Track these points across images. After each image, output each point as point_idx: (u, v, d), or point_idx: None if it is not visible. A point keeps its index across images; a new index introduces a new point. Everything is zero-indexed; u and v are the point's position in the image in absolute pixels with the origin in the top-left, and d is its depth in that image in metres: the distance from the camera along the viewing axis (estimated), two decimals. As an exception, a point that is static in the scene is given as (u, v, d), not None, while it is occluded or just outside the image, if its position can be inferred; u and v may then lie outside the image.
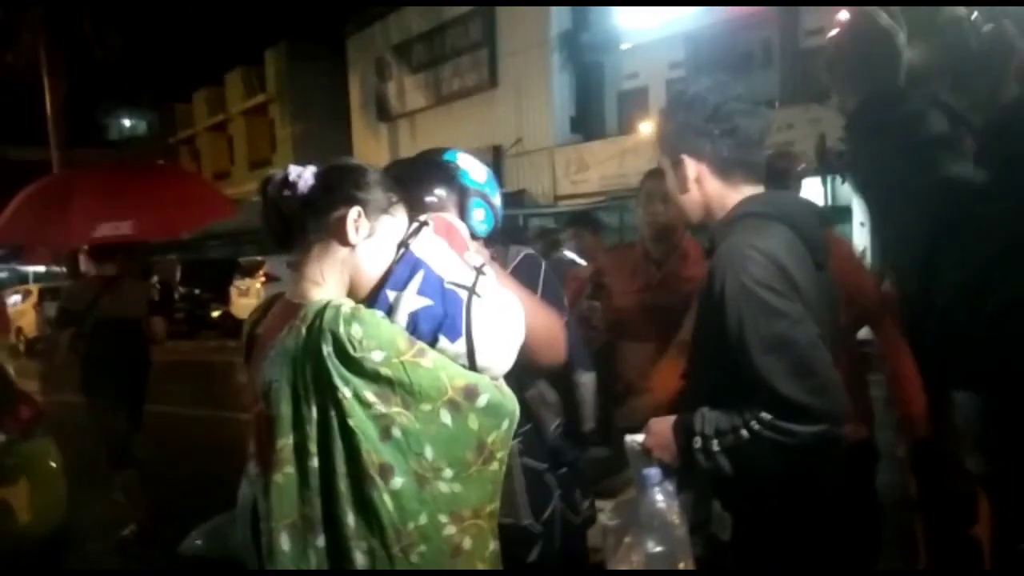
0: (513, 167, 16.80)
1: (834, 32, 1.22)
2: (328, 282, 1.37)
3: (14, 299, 17.26)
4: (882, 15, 1.15)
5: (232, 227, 22.38)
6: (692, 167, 1.68)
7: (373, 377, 1.24)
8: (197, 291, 18.24)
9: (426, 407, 1.27)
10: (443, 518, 1.29)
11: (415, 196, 1.75)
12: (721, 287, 1.55)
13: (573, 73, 16.07)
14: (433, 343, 1.31)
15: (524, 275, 1.83)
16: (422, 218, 1.47)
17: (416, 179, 1.77)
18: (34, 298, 17.81)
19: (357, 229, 1.36)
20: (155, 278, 19.22)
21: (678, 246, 3.03)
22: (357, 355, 1.23)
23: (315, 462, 1.25)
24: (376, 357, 1.24)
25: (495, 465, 1.34)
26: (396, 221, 1.42)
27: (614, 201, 14.71)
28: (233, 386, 10.45)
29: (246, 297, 16.33)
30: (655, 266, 3.04)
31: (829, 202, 11.43)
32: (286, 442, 1.26)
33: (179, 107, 30.63)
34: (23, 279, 21.41)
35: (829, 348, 1.58)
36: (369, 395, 1.24)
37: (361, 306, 1.30)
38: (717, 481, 1.62)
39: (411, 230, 1.43)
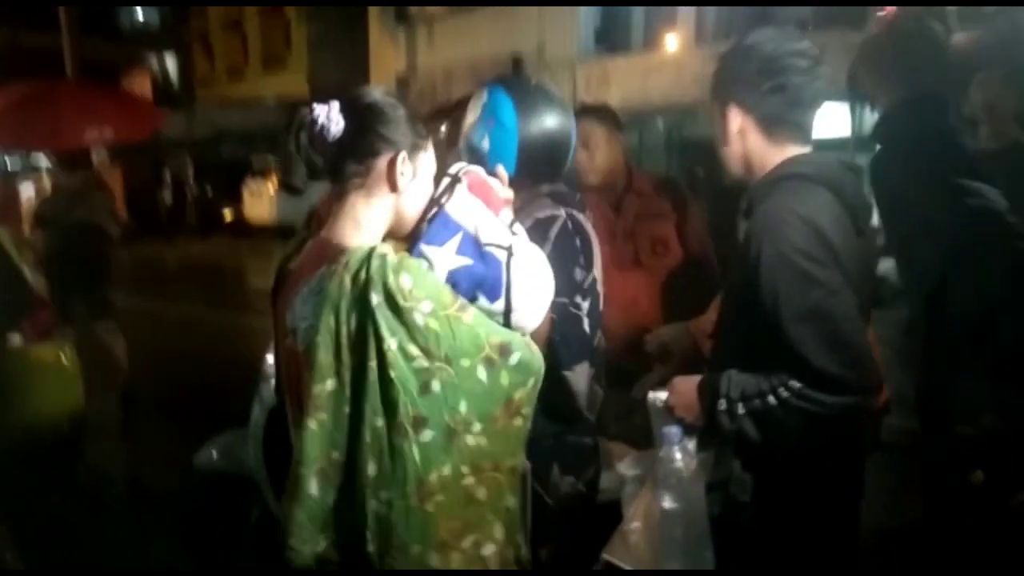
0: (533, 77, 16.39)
1: (876, 24, 1.17)
2: (369, 225, 1.39)
3: (27, 190, 17.21)
4: (929, 13, 1.09)
5: (245, 126, 22.20)
6: (737, 119, 1.64)
7: (420, 329, 1.25)
8: (210, 190, 18.17)
9: (465, 362, 1.28)
10: (464, 468, 1.31)
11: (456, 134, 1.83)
12: (758, 252, 1.53)
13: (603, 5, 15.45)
14: (471, 301, 1.34)
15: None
16: (453, 171, 1.45)
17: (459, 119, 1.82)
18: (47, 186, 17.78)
19: (403, 173, 1.38)
20: (167, 175, 19.22)
21: (628, 186, 2.92)
22: (406, 305, 1.24)
23: (347, 408, 1.26)
24: (425, 308, 1.25)
25: (519, 421, 1.37)
26: (429, 155, 1.43)
27: (634, 120, 14.43)
28: (245, 288, 10.51)
29: (258, 199, 16.27)
30: (613, 212, 2.89)
31: (856, 131, 11.14)
32: (322, 388, 1.26)
33: (193, -1, 29.81)
34: (34, 167, 21.30)
35: (866, 315, 1.56)
36: (413, 348, 1.25)
37: (406, 255, 1.31)
38: (739, 443, 1.62)
39: (444, 185, 1.42)
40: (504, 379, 1.32)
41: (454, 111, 2.03)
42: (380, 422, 1.24)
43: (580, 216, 1.92)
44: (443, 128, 2.43)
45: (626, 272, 2.83)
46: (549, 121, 1.83)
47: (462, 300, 1.32)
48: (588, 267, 1.87)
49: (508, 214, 1.51)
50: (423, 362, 1.25)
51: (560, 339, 1.70)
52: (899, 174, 1.08)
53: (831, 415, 1.49)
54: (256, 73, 25.85)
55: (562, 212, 1.86)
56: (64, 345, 3.88)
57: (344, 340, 1.25)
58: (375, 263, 1.26)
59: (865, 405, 1.52)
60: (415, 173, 1.40)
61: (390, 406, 1.24)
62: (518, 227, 1.49)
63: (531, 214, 1.84)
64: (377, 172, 1.37)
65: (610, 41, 15.53)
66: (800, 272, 1.48)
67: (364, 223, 1.39)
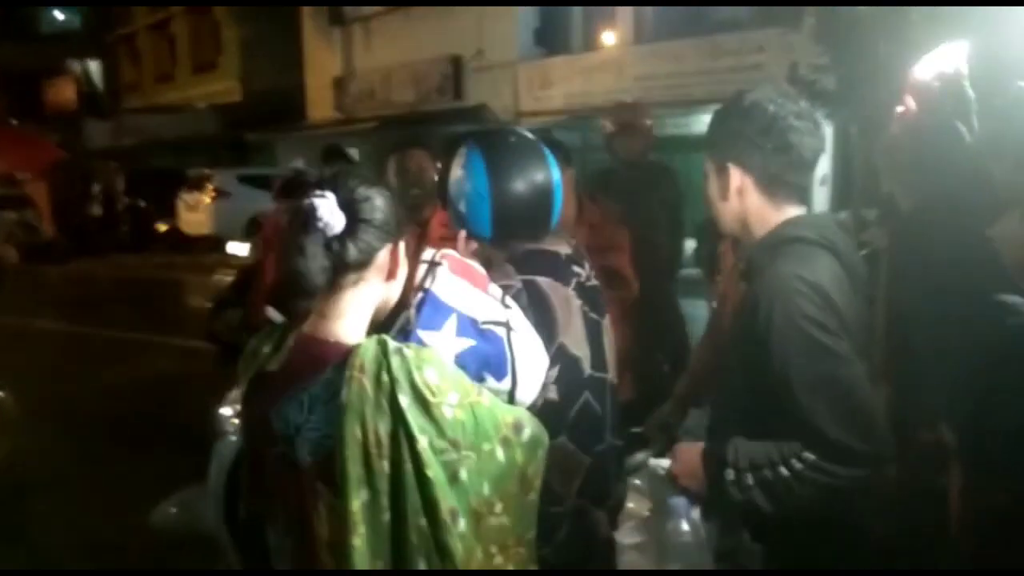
0: (473, 80, 16.26)
1: (898, 113, 1.12)
2: (362, 317, 1.33)
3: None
4: (951, 104, 1.06)
5: (178, 134, 21.57)
6: (737, 177, 1.61)
7: (449, 422, 1.23)
8: (143, 203, 17.60)
9: (487, 446, 1.28)
10: (493, 549, 1.31)
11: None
12: (767, 319, 1.50)
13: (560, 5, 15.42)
14: (479, 382, 1.32)
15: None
16: (429, 256, 1.42)
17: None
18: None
19: (401, 261, 1.35)
20: (96, 187, 18.54)
21: (579, 219, 2.82)
22: (435, 401, 1.21)
23: (387, 516, 1.22)
24: (452, 400, 1.23)
25: (533, 495, 1.37)
26: (407, 236, 1.39)
27: (578, 120, 14.41)
28: (182, 306, 10.16)
29: (194, 212, 15.82)
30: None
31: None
32: (357, 503, 1.20)
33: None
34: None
35: (875, 383, 1.52)
36: (442, 442, 1.22)
37: (422, 347, 1.27)
38: (748, 513, 1.56)
39: (424, 271, 1.39)
40: (519, 456, 1.32)
41: (440, 167, 1.90)
42: (423, 521, 1.22)
43: (542, 282, 1.74)
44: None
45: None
46: (524, 182, 1.69)
47: (477, 384, 1.31)
48: (549, 336, 1.71)
49: (496, 289, 1.48)
50: (452, 454, 1.23)
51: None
52: (923, 288, 1.01)
53: (845, 486, 1.45)
54: (186, 78, 25.16)
55: (517, 282, 1.70)
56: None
57: (373, 448, 1.20)
58: (395, 361, 1.20)
59: (879, 476, 1.48)
60: (400, 259, 1.37)
61: (429, 504, 1.21)
62: (510, 300, 1.47)
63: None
64: (377, 264, 1.32)
65: (550, 42, 15.50)
66: (812, 341, 1.46)
67: (358, 316, 1.32)
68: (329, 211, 1.24)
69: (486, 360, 1.34)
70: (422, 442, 1.19)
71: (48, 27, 30.68)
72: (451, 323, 1.34)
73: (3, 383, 3.81)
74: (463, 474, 1.24)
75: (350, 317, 1.31)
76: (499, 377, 1.35)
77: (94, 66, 29.56)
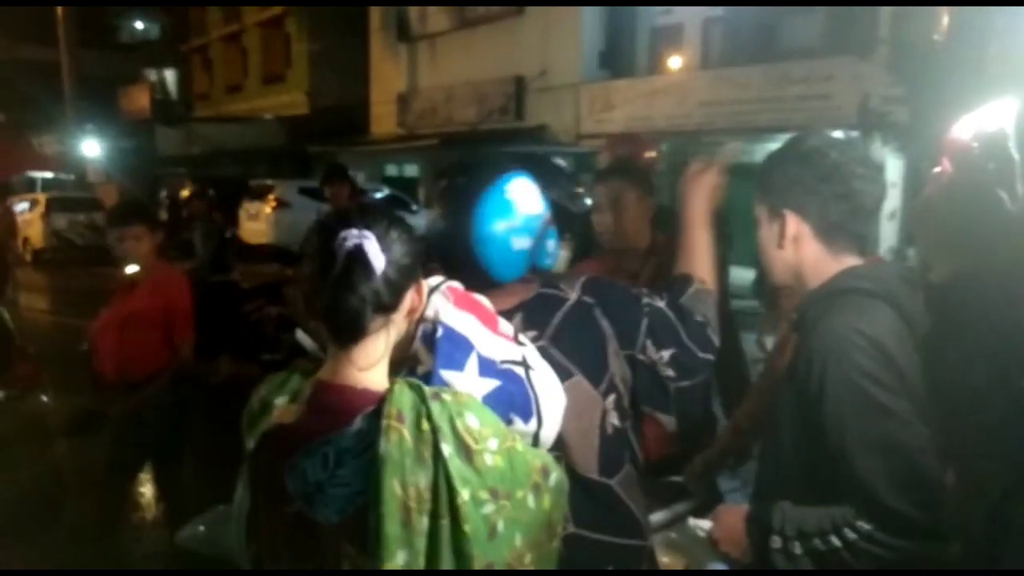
0: (535, 100, 16.28)
1: (934, 174, 1.05)
2: (384, 361, 1.23)
3: (21, 207, 17.04)
4: (992, 168, 0.96)
5: (244, 144, 22.09)
6: (793, 224, 1.54)
7: (490, 470, 1.15)
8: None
9: (520, 493, 1.20)
10: None
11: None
12: (821, 375, 1.41)
13: (604, 5, 15.40)
14: (508, 425, 1.27)
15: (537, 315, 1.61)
16: (429, 283, 1.34)
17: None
18: (41, 208, 17.62)
19: (423, 298, 1.28)
20: (163, 193, 19.02)
21: (651, 251, 2.75)
22: (478, 448, 1.14)
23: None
24: (492, 447, 1.16)
25: (556, 543, 1.30)
26: None
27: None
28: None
29: (255, 221, 16.10)
30: (632, 279, 2.68)
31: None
32: (395, 563, 1.10)
33: (193, 13, 29.79)
34: (31, 185, 21.15)
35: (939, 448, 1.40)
36: (483, 493, 1.14)
37: (458, 391, 1.19)
38: None
39: (428, 301, 1.30)
40: (546, 502, 1.25)
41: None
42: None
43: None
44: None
45: None
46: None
47: (510, 428, 1.24)
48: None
49: (507, 325, 1.40)
50: (491, 505, 1.15)
51: None
52: (956, 357, 0.93)
53: (903, 561, 1.34)
54: (255, 89, 25.80)
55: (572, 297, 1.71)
56: (46, 400, 3.70)
57: (413, 503, 1.10)
58: (435, 408, 1.12)
59: (941, 551, 1.36)
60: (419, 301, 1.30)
61: (463, 560, 1.13)
62: (523, 337, 1.41)
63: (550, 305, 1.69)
64: (406, 303, 1.24)
65: (615, 65, 15.45)
66: (870, 399, 1.36)
67: (381, 360, 1.23)
68: (375, 252, 1.16)
69: (512, 402, 1.28)
70: (463, 495, 1.11)
71: (127, 37, 31.85)
72: (472, 361, 1.27)
73: (47, 389, 3.85)
74: (500, 526, 1.16)
75: (377, 361, 1.22)
76: (526, 419, 1.30)
77: (169, 75, 30.58)
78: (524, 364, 1.32)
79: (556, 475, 1.27)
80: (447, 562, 1.11)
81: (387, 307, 1.19)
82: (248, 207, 16.38)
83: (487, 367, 1.28)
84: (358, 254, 1.14)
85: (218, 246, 6.76)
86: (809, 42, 12.38)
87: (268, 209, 15.77)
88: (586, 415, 1.56)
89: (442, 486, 1.11)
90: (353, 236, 1.15)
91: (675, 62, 14.49)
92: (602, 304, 1.63)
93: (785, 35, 12.96)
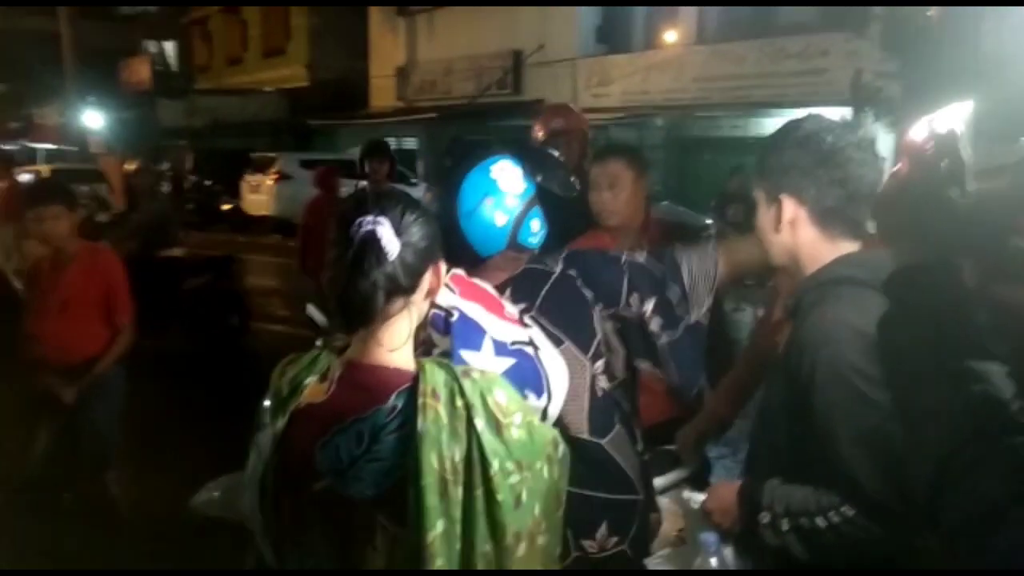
0: (533, 74, 16.36)
1: (892, 171, 1.12)
2: (408, 339, 1.26)
3: (25, 179, 17.12)
4: (945, 167, 1.03)
5: (245, 117, 22.14)
6: (790, 209, 1.54)
7: (515, 444, 1.20)
8: (208, 182, 18.11)
9: (538, 465, 1.25)
10: (536, 567, 1.29)
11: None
12: (812, 366, 1.44)
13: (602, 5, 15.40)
14: None
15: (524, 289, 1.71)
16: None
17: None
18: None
19: (441, 279, 1.31)
20: (166, 165, 19.03)
21: (644, 229, 2.82)
22: (506, 422, 1.19)
23: (458, 545, 1.19)
24: (517, 421, 1.21)
25: (561, 511, 1.36)
26: None
27: (635, 119, 14.39)
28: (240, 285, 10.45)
29: (257, 193, 16.23)
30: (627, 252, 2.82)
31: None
32: (435, 533, 1.16)
33: (192, -15, 29.62)
34: (31, 156, 21.20)
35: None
36: (510, 464, 1.20)
37: (485, 370, 1.25)
38: (781, 555, 1.53)
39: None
40: (556, 472, 1.30)
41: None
42: (488, 547, 1.20)
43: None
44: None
45: None
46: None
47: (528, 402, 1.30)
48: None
49: (512, 307, 1.48)
50: (516, 476, 1.20)
51: None
52: (904, 343, 1.04)
53: (887, 543, 1.40)
54: (255, 62, 25.76)
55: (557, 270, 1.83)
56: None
57: (449, 476, 1.16)
58: (468, 385, 1.18)
59: (922, 539, 1.39)
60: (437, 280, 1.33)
61: (496, 529, 1.19)
62: (528, 318, 1.49)
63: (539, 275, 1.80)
64: (426, 285, 1.27)
65: (611, 39, 15.51)
66: (857, 393, 1.39)
67: (409, 339, 1.26)
68: (388, 237, 1.19)
69: (525, 378, 1.36)
70: (495, 466, 1.17)
71: (127, 8, 31.67)
72: (488, 342, 1.36)
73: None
74: (524, 496, 1.21)
75: (405, 342, 1.25)
76: (539, 394, 1.38)
77: (168, 47, 30.48)
78: (532, 344, 1.40)
79: (563, 447, 1.33)
80: (481, 530, 1.17)
81: (406, 289, 1.22)
82: (250, 179, 16.49)
83: (501, 348, 1.37)
84: (371, 240, 1.17)
85: (163, 221, 6.60)
86: (804, 18, 12.45)
87: (270, 181, 15.87)
88: (576, 379, 1.62)
89: (475, 459, 1.16)
90: (367, 222, 1.18)
91: (671, 37, 14.56)
92: (582, 273, 1.72)
93: (780, 11, 13.03)
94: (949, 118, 1.07)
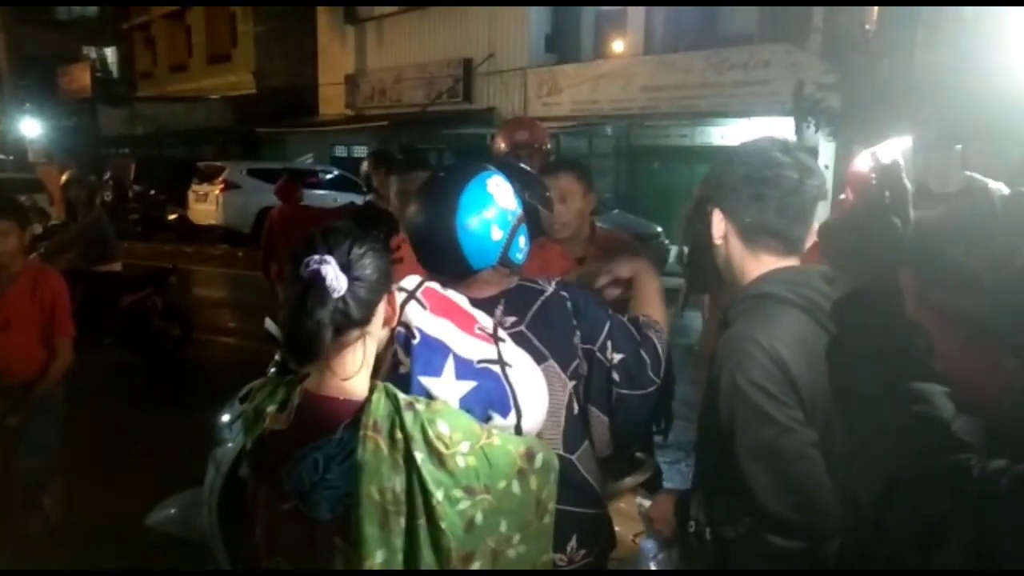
0: (483, 83, 16.42)
1: (838, 200, 1.17)
2: (365, 369, 1.31)
3: (-42, 188, 16.57)
4: (888, 196, 1.08)
5: (189, 125, 21.75)
6: (719, 223, 1.59)
7: (462, 472, 1.23)
8: (152, 191, 17.74)
9: (502, 484, 1.28)
10: None
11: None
12: (717, 379, 1.49)
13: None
14: (486, 421, 1.34)
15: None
16: (404, 287, 1.42)
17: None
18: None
19: (396, 307, 1.34)
20: (107, 175, 18.63)
21: (591, 238, 2.95)
22: (449, 452, 1.22)
23: (400, 569, 1.23)
24: (463, 449, 1.24)
25: (547, 518, 1.39)
26: None
27: (585, 127, 14.55)
28: (189, 296, 10.30)
29: (204, 203, 15.96)
30: (577, 263, 2.87)
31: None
32: (374, 561, 1.20)
33: (133, -11, 29.00)
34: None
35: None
36: (457, 492, 1.23)
37: (432, 400, 1.29)
38: (716, 563, 1.57)
39: (404, 303, 1.39)
40: (533, 483, 1.33)
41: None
42: (435, 571, 1.24)
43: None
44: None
45: None
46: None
47: (484, 425, 1.32)
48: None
49: (486, 319, 1.47)
50: (466, 502, 1.23)
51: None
52: (851, 365, 1.08)
53: (782, 557, 1.43)
54: (200, 68, 25.33)
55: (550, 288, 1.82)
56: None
57: (390, 506, 1.20)
58: (408, 418, 1.21)
59: (818, 551, 1.43)
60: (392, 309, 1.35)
61: (443, 555, 1.22)
62: (502, 332, 1.47)
63: (531, 296, 1.79)
64: (377, 318, 1.30)
65: (561, 49, 15.66)
66: (755, 408, 1.42)
67: (361, 369, 1.30)
68: (334, 275, 1.21)
69: (490, 399, 1.35)
70: (437, 495, 1.20)
71: (65, 13, 30.89)
72: (449, 366, 1.34)
73: None
74: (479, 518, 1.24)
75: (354, 370, 1.29)
76: (504, 414, 1.36)
77: (109, 53, 29.80)
78: (501, 362, 1.38)
79: (543, 455, 1.35)
80: (426, 557, 1.21)
81: (359, 321, 1.25)
82: (196, 188, 16.20)
83: (464, 368, 1.35)
84: (315, 279, 1.20)
85: (100, 233, 6.39)
86: (747, 29, 12.75)
87: (217, 191, 15.63)
88: (556, 396, 1.65)
89: (416, 489, 1.20)
90: (313, 262, 1.21)
91: (619, 47, 14.77)
92: (573, 301, 1.75)
93: (725, 22, 13.32)
94: (892, 150, 1.11)
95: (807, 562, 1.44)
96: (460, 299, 1.50)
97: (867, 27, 9.17)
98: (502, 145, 3.28)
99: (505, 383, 1.37)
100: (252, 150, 20.82)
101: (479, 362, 1.37)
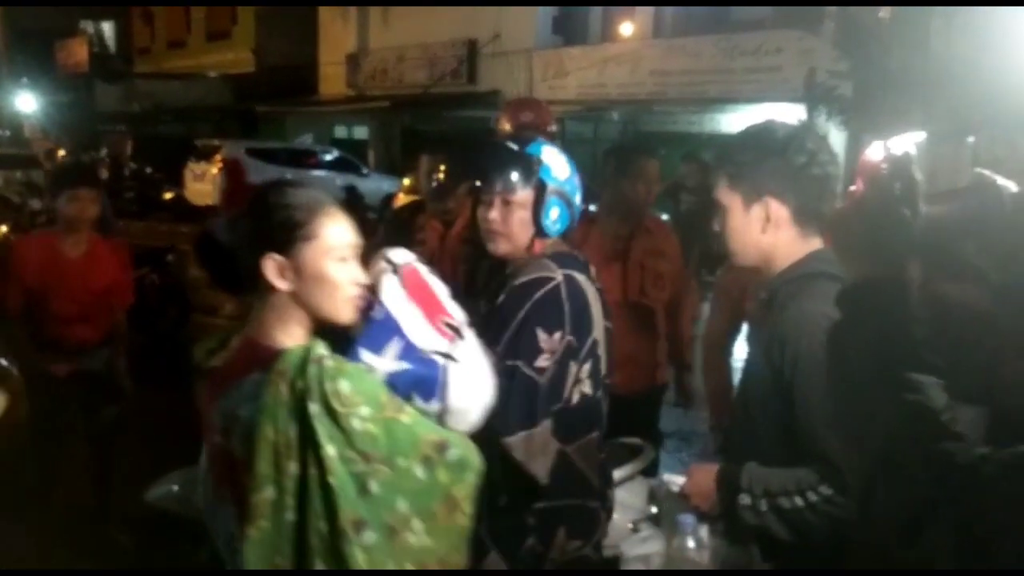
0: (488, 65, 16.22)
1: (849, 192, 1.20)
2: (290, 321, 1.38)
3: None
4: (898, 189, 1.12)
5: (187, 102, 21.50)
6: (775, 210, 1.61)
7: (358, 434, 1.27)
8: (149, 169, 17.53)
9: (402, 462, 1.31)
10: (408, 565, 1.34)
11: (491, 181, 1.85)
12: (794, 355, 1.54)
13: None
14: (406, 400, 1.36)
15: (512, 303, 1.80)
16: (392, 259, 1.45)
17: (495, 166, 1.84)
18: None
19: (282, 274, 1.36)
20: (104, 152, 18.45)
21: (641, 223, 3.15)
22: (344, 411, 1.25)
23: (291, 515, 1.27)
24: (363, 412, 1.27)
25: (461, 518, 1.39)
26: (321, 240, 1.37)
27: (591, 112, 14.37)
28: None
29: (201, 182, 15.77)
30: (622, 241, 3.10)
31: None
32: (261, 496, 1.26)
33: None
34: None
35: None
36: (351, 452, 1.27)
37: (343, 359, 1.31)
38: (759, 534, 1.61)
39: (382, 273, 1.42)
40: (442, 476, 1.35)
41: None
42: (324, 526, 1.26)
43: (579, 278, 1.86)
44: None
45: (632, 300, 3.06)
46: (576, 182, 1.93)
47: (398, 400, 1.34)
48: (584, 331, 1.84)
49: (460, 313, 1.49)
50: (361, 465, 1.27)
51: (500, 406, 1.59)
52: (851, 351, 1.12)
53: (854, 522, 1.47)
54: (199, 45, 25.06)
55: (559, 275, 1.81)
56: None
57: (284, 449, 1.26)
58: (312, 370, 1.26)
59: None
60: (299, 269, 1.36)
61: (331, 510, 1.26)
62: (468, 331, 1.48)
63: (526, 274, 1.82)
64: (264, 278, 1.37)
65: (568, 31, 15.46)
66: None
67: (285, 322, 1.39)
68: (217, 228, 1.38)
69: (417, 383, 1.37)
70: (328, 450, 1.24)
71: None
72: (394, 347, 1.37)
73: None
74: (374, 487, 1.28)
75: (280, 321, 1.38)
76: (427, 399, 1.38)
77: (107, 28, 29.45)
78: (447, 356, 1.41)
79: (458, 452, 1.37)
80: (316, 506, 1.25)
81: (245, 274, 1.38)
82: (194, 167, 16.02)
83: (408, 353, 1.38)
84: (208, 236, 1.41)
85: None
86: (759, 15, 12.56)
87: (215, 170, 15.44)
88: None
89: (310, 439, 1.24)
90: (214, 224, 1.40)
91: (628, 30, 14.56)
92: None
93: (736, 8, 13.13)
94: (903, 142, 1.15)
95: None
96: (439, 287, 1.50)
97: (881, 15, 9.02)
98: (506, 125, 3.23)
99: (441, 374, 1.39)
100: (250, 129, 20.61)
101: (425, 351, 1.39)
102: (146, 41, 28.24)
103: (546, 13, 15.40)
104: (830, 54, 9.58)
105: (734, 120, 12.84)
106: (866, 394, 1.08)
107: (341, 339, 1.37)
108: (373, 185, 15.81)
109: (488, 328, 1.71)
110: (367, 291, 1.40)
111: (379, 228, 4.09)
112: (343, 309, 1.39)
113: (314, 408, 1.24)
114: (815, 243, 1.65)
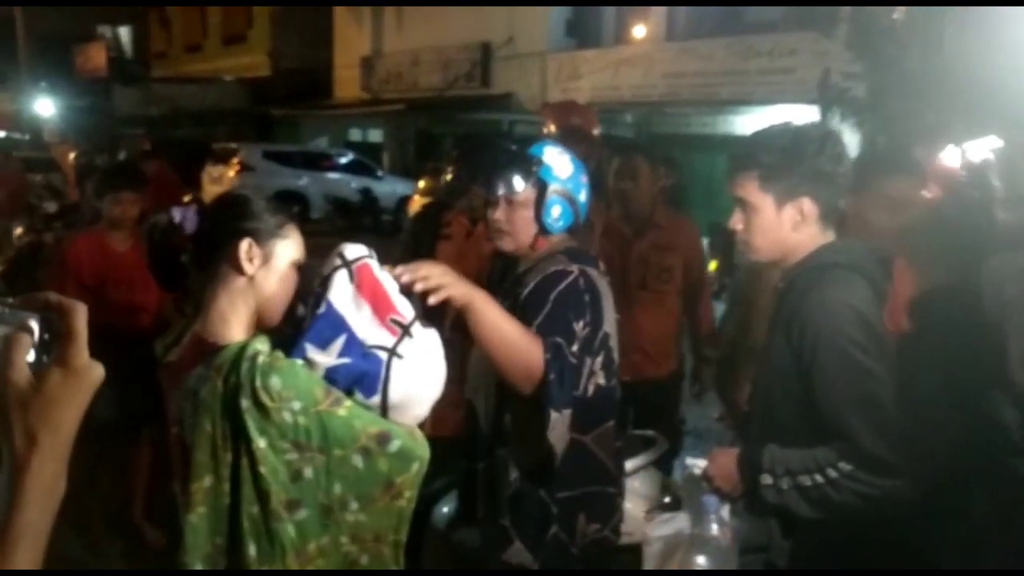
0: (502, 68, 16.28)
1: (922, 197, 1.20)
2: (235, 315, 1.45)
3: None
4: (976, 194, 1.09)
5: (204, 106, 21.67)
6: (809, 209, 1.67)
7: (290, 427, 1.33)
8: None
9: (339, 452, 1.36)
10: (343, 539, 1.42)
11: (493, 183, 1.88)
12: (814, 341, 1.60)
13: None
14: (348, 395, 1.38)
15: (538, 293, 1.84)
16: (345, 255, 1.45)
17: (496, 168, 1.87)
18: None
19: (251, 259, 1.43)
20: (122, 154, 18.63)
21: (651, 218, 3.15)
22: (274, 406, 1.31)
23: (227, 500, 1.36)
24: (294, 407, 1.33)
25: (402, 502, 1.44)
26: (290, 242, 1.49)
27: (605, 114, 14.40)
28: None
29: (218, 185, 15.87)
30: (626, 240, 3.16)
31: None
32: (200, 485, 1.36)
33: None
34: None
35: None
36: (284, 443, 1.33)
37: (279, 354, 1.36)
38: (781, 513, 1.67)
39: (334, 269, 1.43)
40: (383, 465, 1.39)
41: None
42: (255, 509, 1.35)
43: (593, 272, 1.92)
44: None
45: (632, 294, 3.10)
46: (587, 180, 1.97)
47: (336, 393, 1.36)
48: (598, 323, 1.88)
49: (409, 310, 1.47)
50: (293, 455, 1.34)
51: (555, 378, 1.71)
52: (923, 364, 1.15)
53: (880, 496, 1.56)
54: (215, 49, 25.25)
55: (575, 269, 1.87)
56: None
57: (219, 441, 1.34)
58: (244, 367, 1.32)
59: (912, 487, 1.55)
60: (268, 258, 1.45)
61: (263, 495, 1.34)
62: (419, 328, 1.45)
63: (543, 269, 1.87)
64: (227, 261, 1.44)
65: (581, 34, 15.48)
66: (857, 364, 1.56)
67: (230, 316, 1.44)
68: (183, 215, 1.45)
69: (358, 377, 1.38)
70: (259, 442, 1.31)
71: (81, -8, 30.75)
72: (339, 343, 1.37)
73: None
74: (308, 472, 1.36)
75: (223, 316, 1.44)
76: (368, 395, 1.38)
77: (124, 32, 29.72)
78: (391, 351, 1.39)
79: (400, 443, 1.39)
80: (248, 493, 1.34)
81: (207, 263, 1.46)
82: (211, 170, 16.11)
83: (351, 348, 1.38)
84: (171, 222, 1.47)
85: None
86: (773, 17, 12.55)
87: (232, 173, 15.58)
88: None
89: (241, 432, 1.32)
90: (177, 211, 1.46)
91: (641, 33, 14.59)
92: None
93: (749, 9, 13.12)
94: (981, 148, 1.15)
95: (900, 499, 1.55)
96: (391, 285, 1.49)
97: (895, 16, 9.01)
98: (552, 127, 3.32)
99: (383, 368, 1.38)
100: (266, 132, 20.76)
101: (371, 346, 1.39)
102: (163, 45, 28.47)
103: (559, 16, 15.43)
104: (844, 56, 9.55)
105: (748, 122, 12.83)
106: (935, 404, 1.09)
107: (289, 333, 1.42)
108: (388, 188, 15.90)
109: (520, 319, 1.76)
110: (319, 285, 1.43)
111: (405, 225, 4.16)
112: (279, 311, 1.48)
113: (245, 403, 1.31)
114: (830, 236, 1.72)
